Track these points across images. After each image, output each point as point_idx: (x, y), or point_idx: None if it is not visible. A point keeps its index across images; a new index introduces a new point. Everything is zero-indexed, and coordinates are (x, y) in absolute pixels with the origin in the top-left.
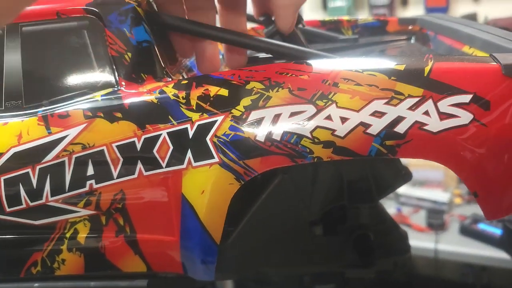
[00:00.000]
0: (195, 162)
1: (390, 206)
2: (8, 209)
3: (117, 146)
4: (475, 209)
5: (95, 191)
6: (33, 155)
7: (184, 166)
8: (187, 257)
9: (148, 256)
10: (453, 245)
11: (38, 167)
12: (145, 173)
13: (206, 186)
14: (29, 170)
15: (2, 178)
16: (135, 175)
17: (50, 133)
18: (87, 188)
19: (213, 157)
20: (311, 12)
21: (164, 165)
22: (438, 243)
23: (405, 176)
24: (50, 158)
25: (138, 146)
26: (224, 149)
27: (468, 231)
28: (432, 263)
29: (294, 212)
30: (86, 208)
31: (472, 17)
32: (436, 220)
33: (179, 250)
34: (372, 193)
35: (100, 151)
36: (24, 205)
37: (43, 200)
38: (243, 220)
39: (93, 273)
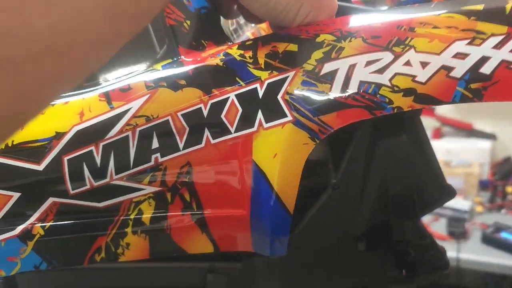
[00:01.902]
0: (266, 123)
1: None
2: (72, 192)
3: (182, 115)
4: (497, 218)
5: (161, 165)
6: (96, 132)
7: (254, 128)
8: (258, 231)
9: (215, 234)
10: (474, 254)
11: (101, 144)
12: (213, 141)
13: (279, 148)
14: (92, 148)
15: (66, 158)
16: (202, 144)
17: (112, 108)
18: (152, 163)
19: (285, 116)
20: None
21: (233, 130)
22: (460, 252)
23: (449, 192)
24: (113, 133)
25: (205, 112)
26: (297, 106)
27: (490, 240)
28: (453, 272)
29: (340, 227)
30: (151, 184)
31: None
32: (457, 228)
33: (249, 224)
34: (416, 209)
35: (165, 121)
36: (88, 186)
37: (107, 179)
38: (292, 235)
39: (158, 257)
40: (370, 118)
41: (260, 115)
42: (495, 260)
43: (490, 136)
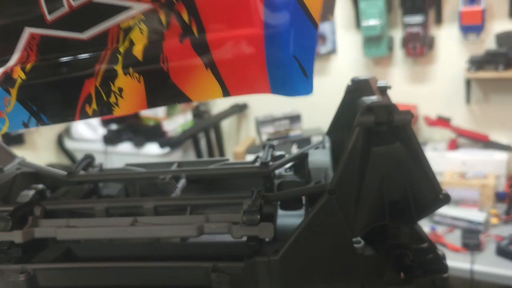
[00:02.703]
0: None
1: (424, 225)
2: (49, 18)
3: None
4: None
5: None
6: None
7: None
8: (274, 58)
9: (222, 69)
10: (489, 266)
11: None
12: None
13: None
14: None
15: None
16: None
17: None
18: None
19: None
20: (344, 31)
21: None
22: (474, 264)
23: (443, 198)
24: None
25: None
26: None
27: (505, 252)
28: (467, 284)
29: (338, 231)
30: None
31: (509, 34)
32: (471, 240)
33: (264, 49)
34: (412, 214)
35: None
36: (66, 8)
37: None
38: (292, 237)
39: (157, 106)
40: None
41: None
42: (509, 273)
43: (507, 148)
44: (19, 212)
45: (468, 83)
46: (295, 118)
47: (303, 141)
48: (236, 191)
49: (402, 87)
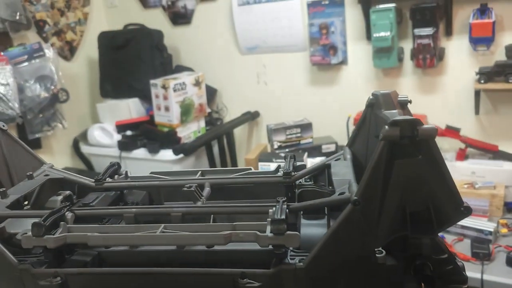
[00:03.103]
0: None
1: None
2: None
3: None
4: None
5: None
6: None
7: None
8: None
9: None
10: (499, 276)
11: None
12: None
13: None
14: None
15: None
16: None
17: None
18: None
19: None
20: (354, 42)
21: None
22: (484, 274)
23: (464, 211)
24: None
25: None
26: None
27: None
28: None
29: (361, 241)
30: None
31: None
32: (481, 250)
33: None
34: (433, 225)
35: None
36: None
37: None
38: (317, 246)
39: None
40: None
41: None
42: None
43: None
44: (51, 217)
45: (477, 94)
46: (306, 127)
47: (314, 149)
48: (258, 198)
49: (412, 97)
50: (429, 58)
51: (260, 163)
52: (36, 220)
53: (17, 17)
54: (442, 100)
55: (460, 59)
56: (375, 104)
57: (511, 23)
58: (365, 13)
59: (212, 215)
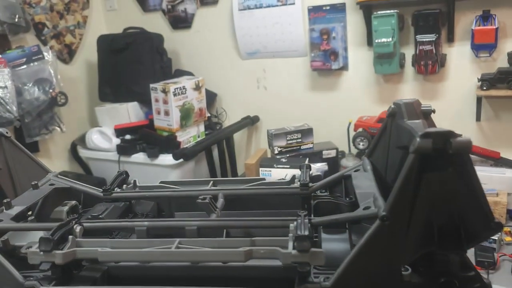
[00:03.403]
0: None
1: None
2: None
3: None
4: None
5: None
6: None
7: None
8: None
9: None
10: (504, 285)
11: None
12: None
13: None
14: None
15: None
16: None
17: None
18: None
19: None
20: (355, 48)
21: None
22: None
23: (495, 227)
24: None
25: None
26: None
27: None
28: None
29: (388, 258)
30: None
31: None
32: (486, 258)
33: None
34: (462, 241)
35: None
36: None
37: None
38: (343, 264)
39: None
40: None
41: None
42: None
43: None
44: (59, 231)
45: (479, 100)
46: (307, 132)
47: (314, 155)
48: (273, 209)
49: None
50: (431, 65)
51: (261, 169)
52: (43, 234)
53: (16, 20)
54: (443, 106)
55: (462, 65)
56: (397, 114)
57: None
58: (366, 19)
59: (225, 230)
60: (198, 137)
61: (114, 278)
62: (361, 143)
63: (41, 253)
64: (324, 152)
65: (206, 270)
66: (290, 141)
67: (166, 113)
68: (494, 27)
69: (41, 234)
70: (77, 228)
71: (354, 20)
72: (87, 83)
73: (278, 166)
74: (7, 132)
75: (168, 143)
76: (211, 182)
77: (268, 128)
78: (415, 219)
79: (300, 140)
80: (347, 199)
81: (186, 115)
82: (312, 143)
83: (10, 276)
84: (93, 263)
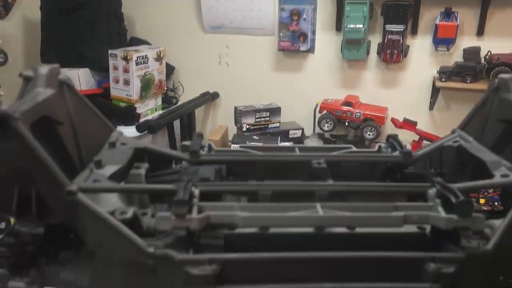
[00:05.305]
0: None
1: None
2: None
3: None
4: None
5: None
6: None
7: None
8: None
9: None
10: None
11: None
12: None
13: None
14: None
15: None
16: None
17: None
18: None
19: None
20: (323, 32)
21: None
22: None
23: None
24: None
25: None
26: None
27: None
28: None
29: None
30: None
31: (476, 50)
32: None
33: None
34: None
35: None
36: None
37: None
38: (498, 230)
39: None
40: None
41: None
42: None
43: None
44: (186, 193)
45: (437, 91)
46: (275, 111)
47: (281, 134)
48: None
49: (374, 90)
50: (396, 54)
51: (233, 145)
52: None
53: None
54: (402, 94)
55: (422, 57)
56: (501, 88)
57: (470, 28)
58: (338, 4)
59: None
60: (155, 110)
61: (232, 246)
62: (326, 125)
63: (173, 217)
64: (290, 131)
65: (330, 238)
66: (259, 119)
67: (126, 82)
68: (456, 24)
69: (113, 198)
70: (195, 191)
71: (324, 4)
72: (26, 43)
73: (251, 143)
74: (69, 80)
75: (127, 115)
76: (296, 148)
77: (228, 105)
78: None
79: (268, 118)
80: (438, 170)
81: (146, 86)
82: (279, 122)
83: (132, 246)
84: (207, 231)
